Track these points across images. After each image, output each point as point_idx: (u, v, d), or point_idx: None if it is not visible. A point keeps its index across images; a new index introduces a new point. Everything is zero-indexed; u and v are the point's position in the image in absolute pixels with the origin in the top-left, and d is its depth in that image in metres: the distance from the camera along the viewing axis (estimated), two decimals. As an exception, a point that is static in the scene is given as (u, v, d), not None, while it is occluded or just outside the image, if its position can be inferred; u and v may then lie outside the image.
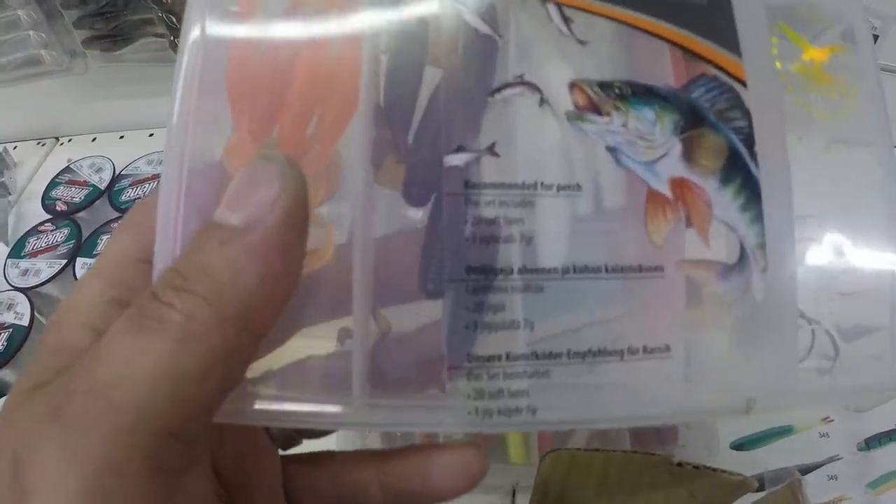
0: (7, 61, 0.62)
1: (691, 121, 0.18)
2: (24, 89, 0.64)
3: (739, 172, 0.19)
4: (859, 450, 0.40)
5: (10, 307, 0.52)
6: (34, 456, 0.13)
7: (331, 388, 0.16)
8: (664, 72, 0.18)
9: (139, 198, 0.60)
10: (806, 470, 0.38)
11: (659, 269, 0.18)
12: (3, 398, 0.47)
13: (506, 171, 0.16)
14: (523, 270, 0.16)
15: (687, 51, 0.19)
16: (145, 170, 0.63)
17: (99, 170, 0.64)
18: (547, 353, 0.16)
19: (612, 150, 0.17)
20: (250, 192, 0.15)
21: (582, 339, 0.17)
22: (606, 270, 0.17)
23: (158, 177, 0.61)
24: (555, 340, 0.17)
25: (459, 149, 0.16)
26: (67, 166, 0.66)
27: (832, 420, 0.41)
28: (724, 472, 0.31)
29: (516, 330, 0.16)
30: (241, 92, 0.18)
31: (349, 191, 0.17)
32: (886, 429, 0.40)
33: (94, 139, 0.71)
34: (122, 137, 0.70)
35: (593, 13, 0.18)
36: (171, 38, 0.59)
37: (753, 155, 0.19)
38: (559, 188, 0.17)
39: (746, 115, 0.19)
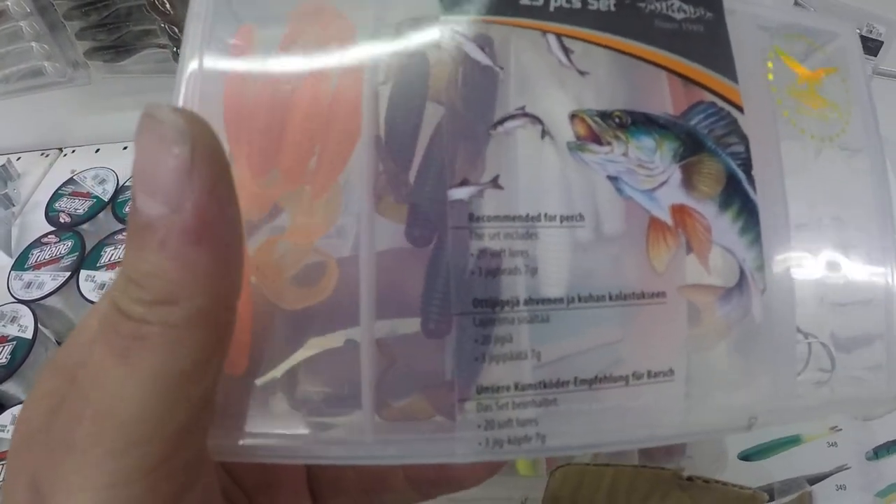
0: (10, 73, 0.61)
1: (690, 147, 0.18)
2: (27, 100, 0.63)
3: (738, 197, 0.18)
4: (867, 459, 0.39)
5: (13, 320, 0.51)
6: (51, 481, 0.14)
7: (337, 425, 0.16)
8: (663, 100, 0.18)
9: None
10: (814, 480, 0.38)
11: (661, 294, 0.17)
12: (7, 411, 0.47)
13: (509, 203, 0.16)
14: (529, 301, 0.16)
15: (685, 78, 0.18)
16: None
17: (102, 181, 0.63)
18: (554, 382, 0.16)
19: (613, 179, 0.17)
20: (160, 166, 0.13)
21: (588, 366, 0.17)
22: (610, 298, 0.17)
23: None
24: (561, 368, 0.16)
25: (464, 182, 0.16)
26: (71, 178, 0.65)
27: (840, 429, 0.40)
28: (734, 485, 0.31)
29: (524, 360, 0.16)
30: (239, 126, 0.18)
31: (349, 221, 0.16)
32: (895, 437, 0.39)
33: (97, 150, 0.70)
34: (125, 148, 0.68)
35: (593, 43, 0.18)
36: (174, 48, 0.58)
37: (751, 179, 0.19)
38: (562, 219, 0.16)
39: (744, 140, 0.19)
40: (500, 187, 0.16)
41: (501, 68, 0.17)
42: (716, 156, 0.18)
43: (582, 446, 0.17)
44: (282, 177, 0.17)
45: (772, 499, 0.32)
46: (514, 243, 0.16)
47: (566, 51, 0.17)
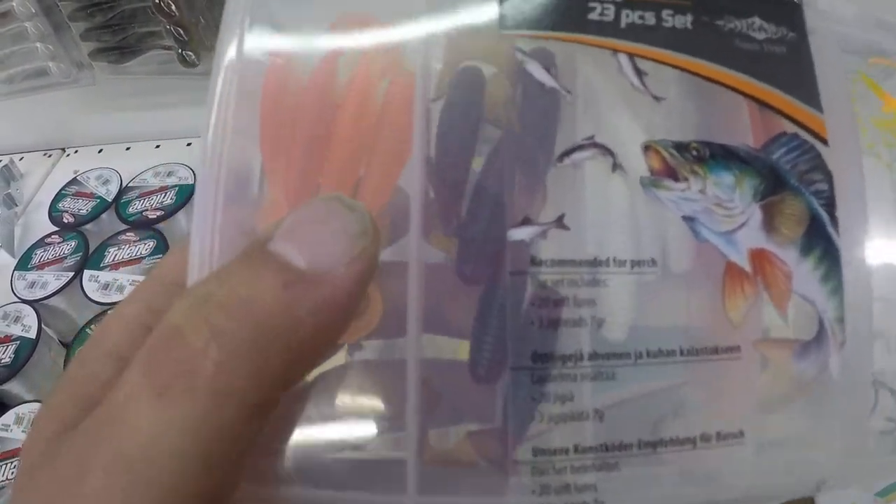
0: (14, 73, 0.61)
1: (771, 185, 0.16)
2: (31, 101, 0.63)
3: (820, 240, 0.16)
4: None
5: (17, 320, 0.50)
6: None
7: (381, 481, 0.14)
8: (743, 130, 0.16)
9: (146, 210, 0.58)
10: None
11: (735, 349, 0.15)
12: (11, 411, 0.46)
13: (574, 245, 0.14)
14: (594, 356, 0.14)
15: (766, 105, 0.16)
16: (152, 182, 0.61)
17: (106, 181, 0.62)
18: (617, 445, 0.14)
19: (689, 219, 0.15)
20: (320, 235, 0.12)
21: (654, 427, 0.15)
22: (681, 353, 0.15)
23: (166, 189, 0.59)
24: (624, 429, 0.15)
25: (525, 221, 0.14)
26: (74, 178, 0.64)
27: None
28: None
29: (585, 421, 0.14)
30: (277, 141, 0.16)
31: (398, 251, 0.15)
32: None
33: (100, 151, 0.69)
34: (128, 149, 0.68)
35: (668, 65, 0.16)
36: (179, 50, 0.57)
37: (835, 221, 0.17)
38: (632, 264, 0.14)
39: (828, 176, 0.17)
40: (566, 227, 0.14)
41: (569, 91, 0.15)
42: (799, 194, 0.16)
43: (641, 513, 0.15)
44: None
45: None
46: (580, 291, 0.14)
47: (639, 73, 0.15)
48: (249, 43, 0.16)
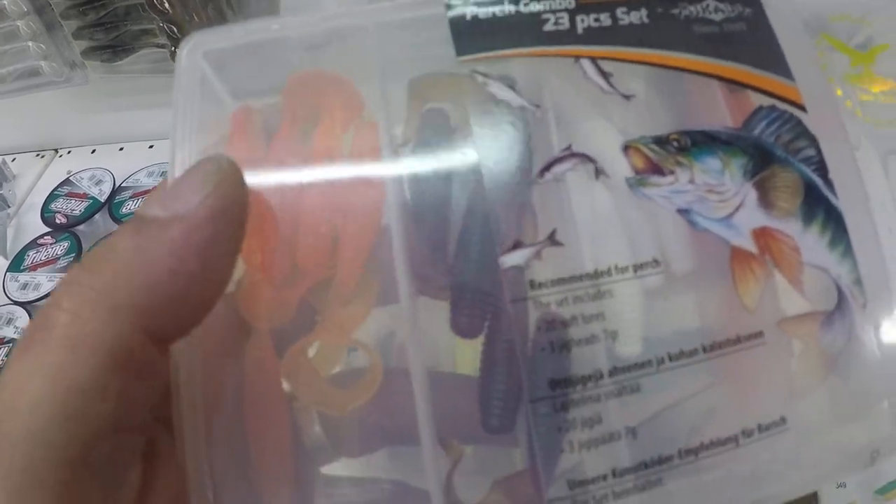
0: (6, 72, 0.58)
1: (759, 161, 0.15)
2: (24, 100, 0.60)
3: (820, 206, 0.15)
4: None
5: (9, 322, 0.49)
6: None
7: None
8: (719, 112, 0.15)
9: (140, 210, 0.57)
10: None
11: (758, 335, 0.14)
12: None
13: (572, 260, 0.13)
14: (614, 371, 0.13)
15: (737, 84, 0.16)
16: (146, 182, 0.59)
17: (99, 182, 0.60)
18: (656, 460, 0.13)
19: (683, 212, 0.14)
20: (182, 188, 0.13)
21: (691, 433, 0.14)
22: (704, 350, 0.14)
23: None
24: (660, 442, 0.13)
25: (516, 245, 0.13)
26: (67, 178, 0.62)
27: None
28: None
29: (618, 441, 0.13)
30: (249, 234, 0.15)
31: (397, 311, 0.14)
32: None
33: (93, 151, 0.67)
34: (121, 149, 0.65)
35: (632, 62, 0.15)
36: (172, 48, 0.55)
37: (829, 183, 0.16)
38: (635, 268, 0.13)
39: (813, 141, 0.16)
40: (559, 244, 0.13)
41: (537, 106, 0.14)
42: (788, 165, 0.15)
43: (695, 525, 0.14)
44: (302, 270, 0.14)
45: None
46: (586, 307, 0.13)
47: (605, 75, 0.15)
48: (204, 117, 0.15)
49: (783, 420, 0.14)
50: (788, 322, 0.15)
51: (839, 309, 0.15)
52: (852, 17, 0.19)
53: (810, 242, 0.15)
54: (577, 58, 0.15)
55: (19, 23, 0.56)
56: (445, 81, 0.15)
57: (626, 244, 0.14)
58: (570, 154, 0.14)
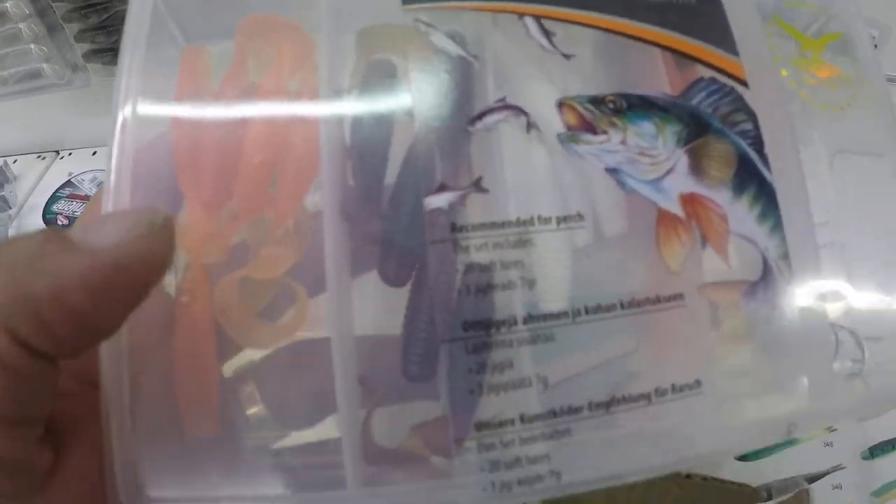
0: (8, 75, 0.58)
1: (694, 129, 0.15)
2: (25, 103, 0.60)
3: (753, 179, 0.16)
4: (863, 458, 0.37)
5: None
6: None
7: (320, 478, 0.13)
8: (659, 80, 0.15)
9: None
10: (812, 479, 0.36)
11: (679, 297, 0.14)
12: None
13: (496, 207, 0.13)
14: (528, 319, 0.13)
15: (680, 54, 0.16)
16: None
17: (100, 184, 0.59)
18: (566, 409, 0.13)
19: (612, 171, 0.14)
20: (108, 223, 0.12)
21: (602, 386, 0.14)
22: (622, 307, 0.14)
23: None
24: (572, 392, 0.14)
25: (442, 188, 0.13)
26: (68, 180, 0.62)
27: (835, 429, 0.38)
28: (732, 483, 0.28)
29: (528, 388, 0.13)
30: (192, 165, 0.15)
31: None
32: (890, 437, 0.37)
33: (94, 153, 0.66)
34: None
35: (575, 23, 0.15)
36: None
37: (764, 158, 0.16)
38: (559, 221, 0.14)
39: (752, 116, 0.16)
40: (484, 190, 0.13)
41: (476, 57, 0.14)
42: (724, 136, 0.16)
43: (602, 479, 0.14)
44: (239, 207, 0.14)
45: (770, 497, 0.30)
46: (506, 253, 0.13)
47: (547, 34, 0.15)
48: (155, 52, 0.15)
49: (698, 383, 0.15)
50: (710, 287, 0.15)
51: (763, 280, 0.16)
52: (807, 4, 0.19)
53: (739, 213, 0.15)
54: (522, 15, 0.15)
55: (21, 25, 0.56)
56: (391, 31, 0.15)
57: (552, 196, 0.14)
58: (503, 105, 0.14)
